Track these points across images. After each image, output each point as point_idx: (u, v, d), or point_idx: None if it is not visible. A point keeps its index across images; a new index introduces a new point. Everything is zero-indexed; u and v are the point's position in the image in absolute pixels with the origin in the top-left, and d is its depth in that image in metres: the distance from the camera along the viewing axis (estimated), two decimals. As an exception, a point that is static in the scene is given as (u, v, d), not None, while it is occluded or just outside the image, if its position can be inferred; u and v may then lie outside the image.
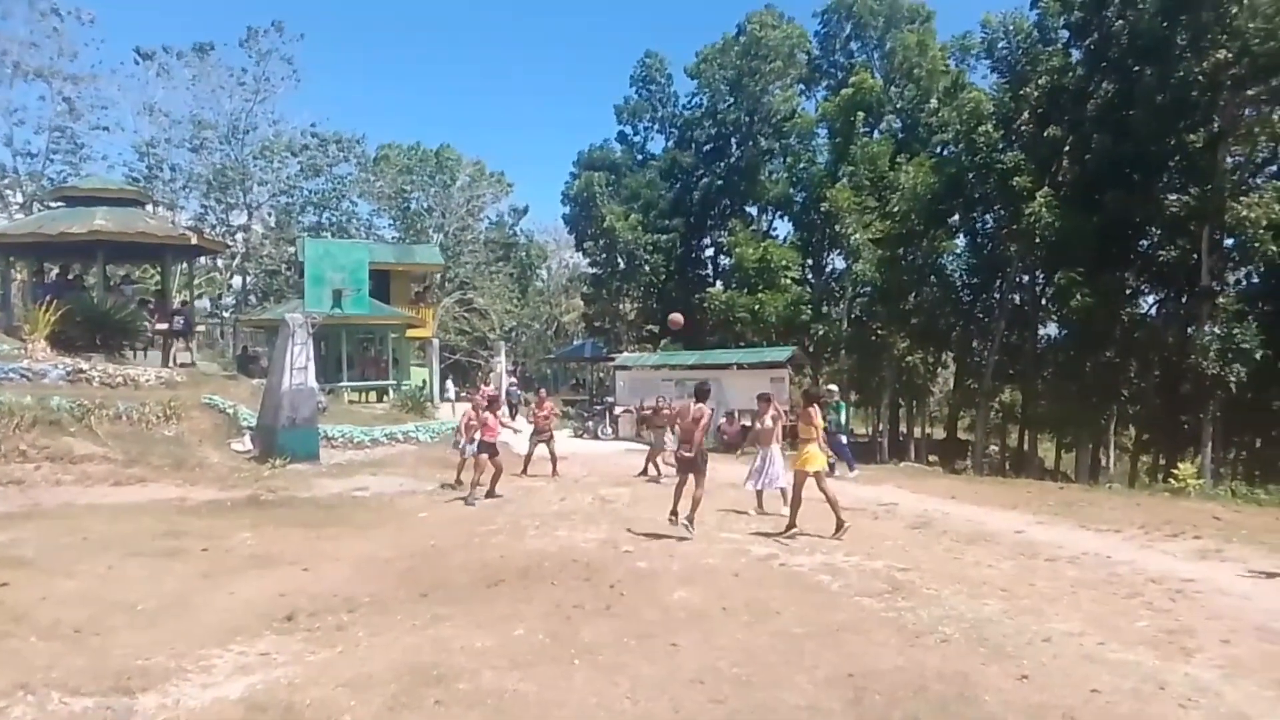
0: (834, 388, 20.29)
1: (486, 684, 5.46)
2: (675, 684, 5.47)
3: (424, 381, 33.16)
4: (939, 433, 44.62)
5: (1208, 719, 4.91)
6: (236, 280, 51.39)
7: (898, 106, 38.42)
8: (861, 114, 36.25)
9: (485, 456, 13.48)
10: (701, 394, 10.69)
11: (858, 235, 32.75)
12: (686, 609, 7.25)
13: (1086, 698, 5.21)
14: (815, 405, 10.97)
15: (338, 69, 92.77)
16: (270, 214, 51.45)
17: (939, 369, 39.44)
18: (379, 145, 55.61)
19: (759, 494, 12.20)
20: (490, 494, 13.51)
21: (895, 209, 32.77)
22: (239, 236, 49.05)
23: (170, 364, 22.31)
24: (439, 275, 44.05)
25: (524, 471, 16.36)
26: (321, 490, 14.12)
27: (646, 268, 42.45)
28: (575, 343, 49.30)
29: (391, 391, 29.35)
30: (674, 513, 10.30)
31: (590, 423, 27.89)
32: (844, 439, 17.23)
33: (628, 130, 48.12)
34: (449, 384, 37.37)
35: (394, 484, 15.02)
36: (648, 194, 44.02)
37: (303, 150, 50.08)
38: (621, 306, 46.27)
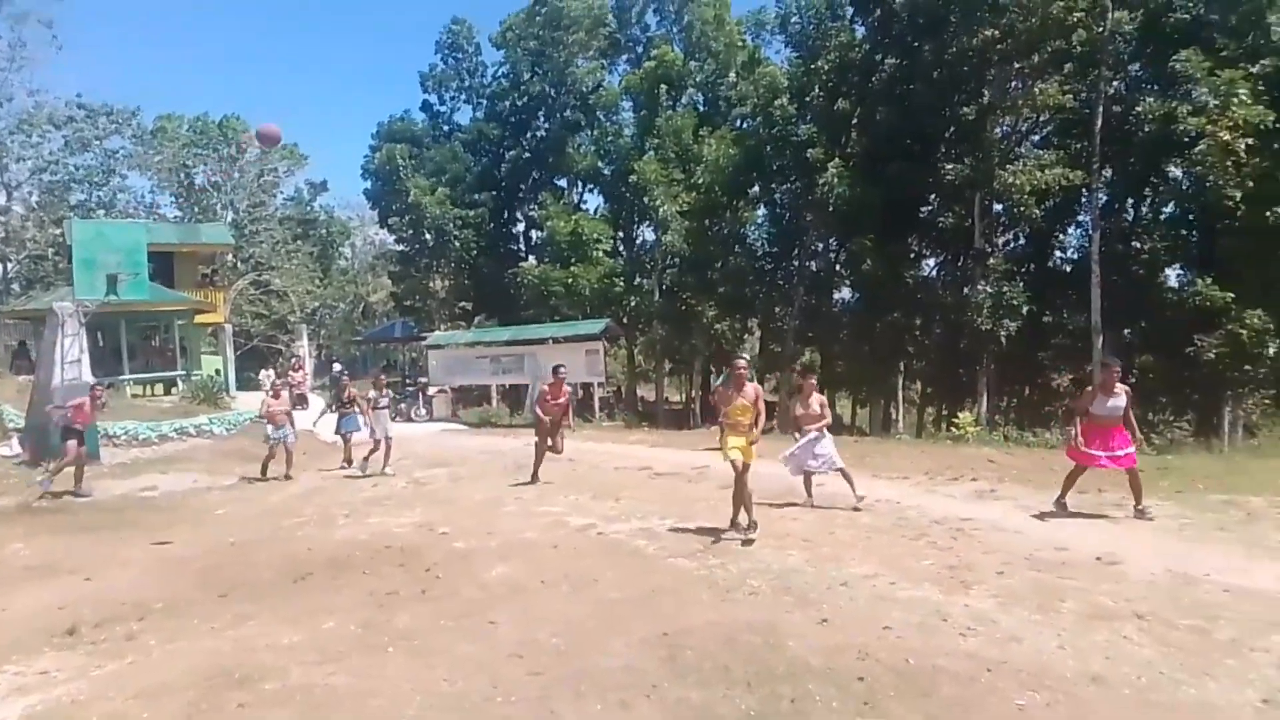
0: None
1: (295, 680, 5.22)
2: (494, 661, 5.44)
3: (218, 370, 31.09)
4: (748, 396, 46.38)
5: (984, 645, 5.37)
6: (-4, 267, 46.16)
7: (698, 80, 39.23)
8: (664, 87, 36.73)
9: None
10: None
11: (666, 207, 33.33)
12: (506, 585, 7.22)
13: (879, 634, 5.60)
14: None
15: (109, 37, 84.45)
16: (32, 193, 46.40)
17: (746, 335, 40.94)
18: (157, 116, 51.23)
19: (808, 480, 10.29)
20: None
21: (700, 181, 33.59)
22: (-3, 218, 43.99)
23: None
24: (230, 255, 41.23)
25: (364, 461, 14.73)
26: (104, 493, 13.00)
27: (456, 243, 41.36)
28: (385, 323, 47.67)
29: (181, 382, 27.33)
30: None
31: (403, 404, 27.13)
32: None
33: (433, 99, 46.61)
34: (265, 373, 34.12)
35: (187, 481, 14.06)
36: (454, 167, 42.86)
37: (68, 122, 45.34)
38: (432, 284, 45.03)
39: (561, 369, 13.04)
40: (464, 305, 44.95)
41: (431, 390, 28.72)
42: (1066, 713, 4.40)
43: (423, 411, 27.25)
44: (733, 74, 37.79)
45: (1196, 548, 7.60)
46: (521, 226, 46.36)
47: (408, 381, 30.88)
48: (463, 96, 46.62)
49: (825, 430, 10.06)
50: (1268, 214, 21.20)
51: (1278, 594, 6.22)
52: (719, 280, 34.31)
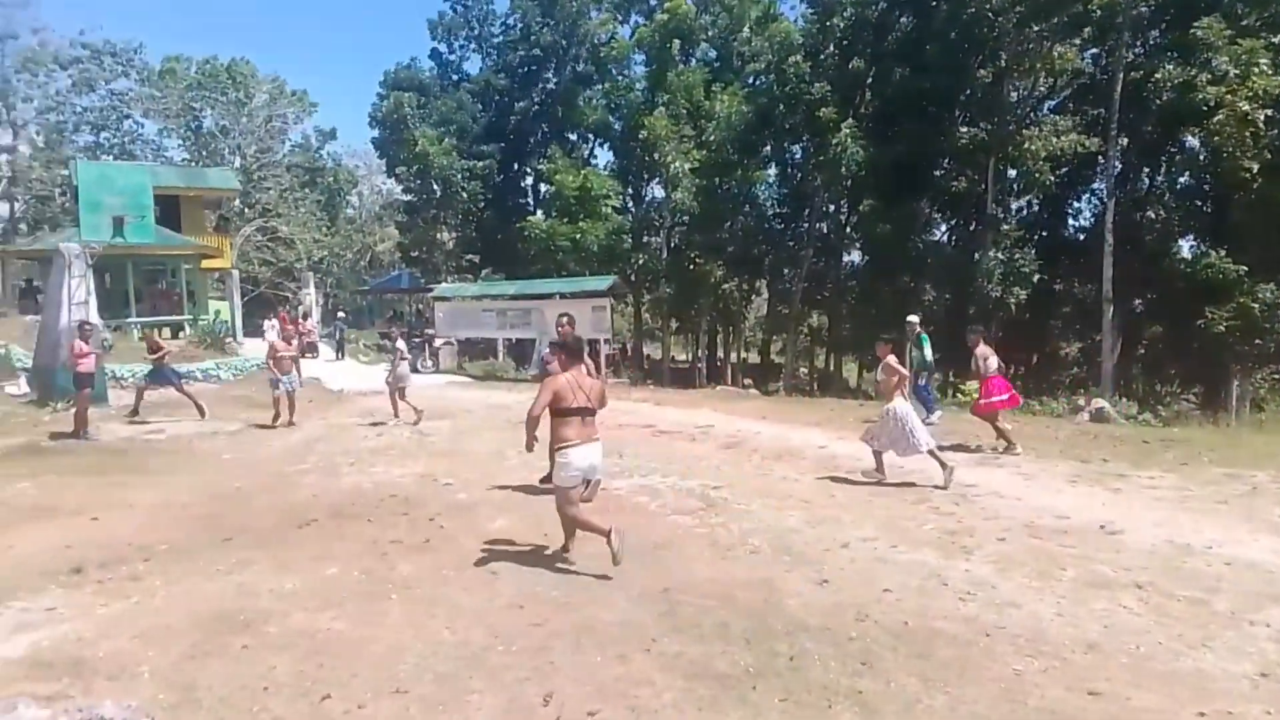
0: (915, 318, 16.25)
1: (297, 625, 5.28)
2: (494, 610, 5.49)
3: (218, 313, 31.07)
4: (754, 357, 46.47)
5: (983, 609, 5.41)
6: (3, 207, 46.11)
7: (711, 35, 38.59)
8: (677, 41, 36.26)
9: None
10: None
11: (676, 164, 32.99)
12: (506, 537, 7.27)
13: (878, 596, 5.64)
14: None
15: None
16: (39, 133, 46.20)
17: (753, 296, 40.76)
18: (164, 57, 50.66)
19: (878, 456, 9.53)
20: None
21: (711, 138, 33.20)
22: (2, 158, 43.83)
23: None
24: (236, 202, 41.08)
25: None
26: (109, 435, 13.07)
27: (463, 195, 41.13)
28: (391, 273, 47.57)
29: (188, 327, 27.40)
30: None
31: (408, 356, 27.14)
32: (924, 381, 14.96)
33: (442, 48, 46.12)
34: (269, 322, 32.64)
35: (192, 426, 14.11)
36: (461, 118, 42.49)
37: (73, 63, 44.98)
38: (439, 235, 44.81)
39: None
40: (470, 258, 44.72)
41: (438, 342, 28.74)
42: (1062, 678, 4.42)
43: (429, 363, 27.27)
44: (746, 29, 37.11)
45: (1198, 520, 7.58)
46: (529, 180, 46.04)
47: (414, 333, 30.89)
48: (472, 45, 46.08)
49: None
50: (1284, 186, 20.97)
51: (1277, 568, 6.23)
52: (727, 240, 34.11)
